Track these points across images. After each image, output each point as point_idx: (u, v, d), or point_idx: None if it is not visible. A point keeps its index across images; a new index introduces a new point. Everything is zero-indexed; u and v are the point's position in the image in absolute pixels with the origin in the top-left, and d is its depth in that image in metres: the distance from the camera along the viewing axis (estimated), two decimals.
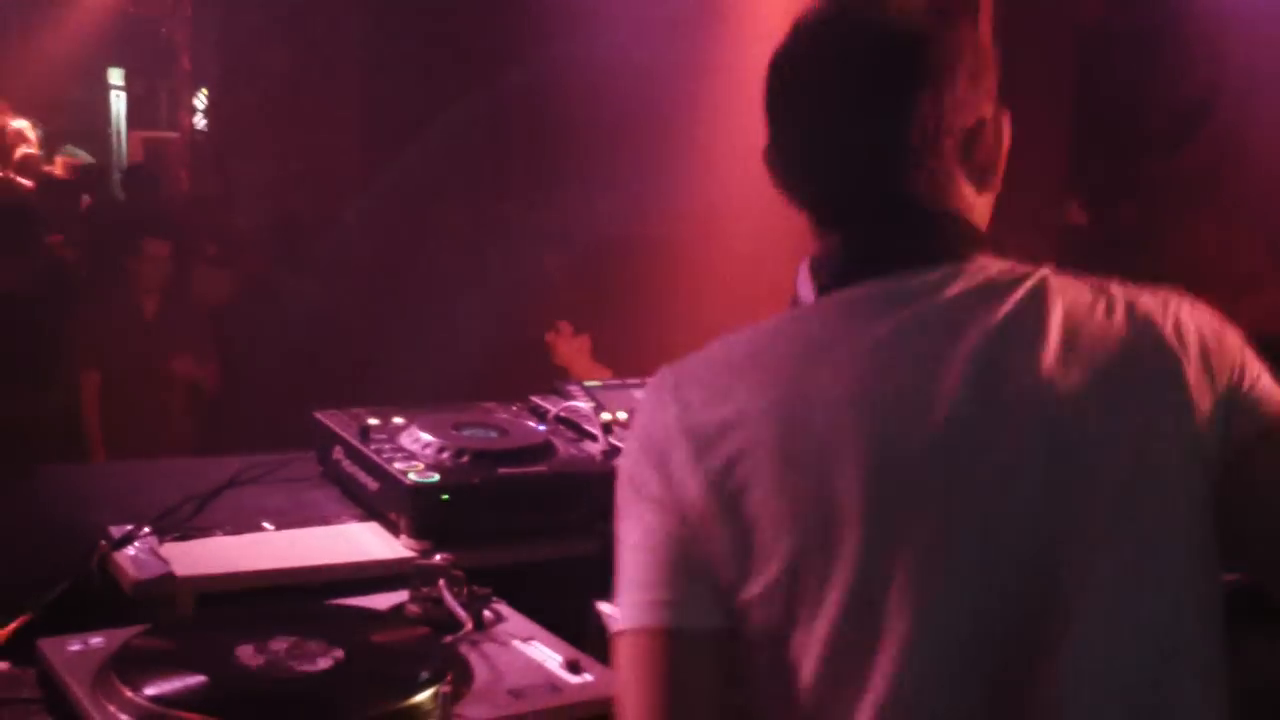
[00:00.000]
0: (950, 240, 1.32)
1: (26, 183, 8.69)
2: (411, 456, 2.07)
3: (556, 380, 2.58)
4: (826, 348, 1.28)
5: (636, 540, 1.30)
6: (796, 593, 1.22)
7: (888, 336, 1.26)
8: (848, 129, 1.34)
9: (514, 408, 2.44)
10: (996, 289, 1.27)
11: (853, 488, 1.21)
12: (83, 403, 5.56)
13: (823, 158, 1.38)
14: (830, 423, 1.23)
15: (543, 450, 2.16)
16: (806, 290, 1.37)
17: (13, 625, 1.77)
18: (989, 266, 1.30)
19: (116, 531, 1.89)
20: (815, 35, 1.37)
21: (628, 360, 7.10)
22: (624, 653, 1.27)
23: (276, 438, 2.45)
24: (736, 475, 1.24)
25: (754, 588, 1.23)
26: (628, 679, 1.27)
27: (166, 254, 5.82)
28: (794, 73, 1.38)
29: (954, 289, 1.27)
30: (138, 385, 5.58)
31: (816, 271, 1.36)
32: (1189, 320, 1.27)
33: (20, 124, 9.44)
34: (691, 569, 1.26)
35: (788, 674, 1.23)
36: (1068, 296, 1.27)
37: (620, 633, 1.28)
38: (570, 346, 7.05)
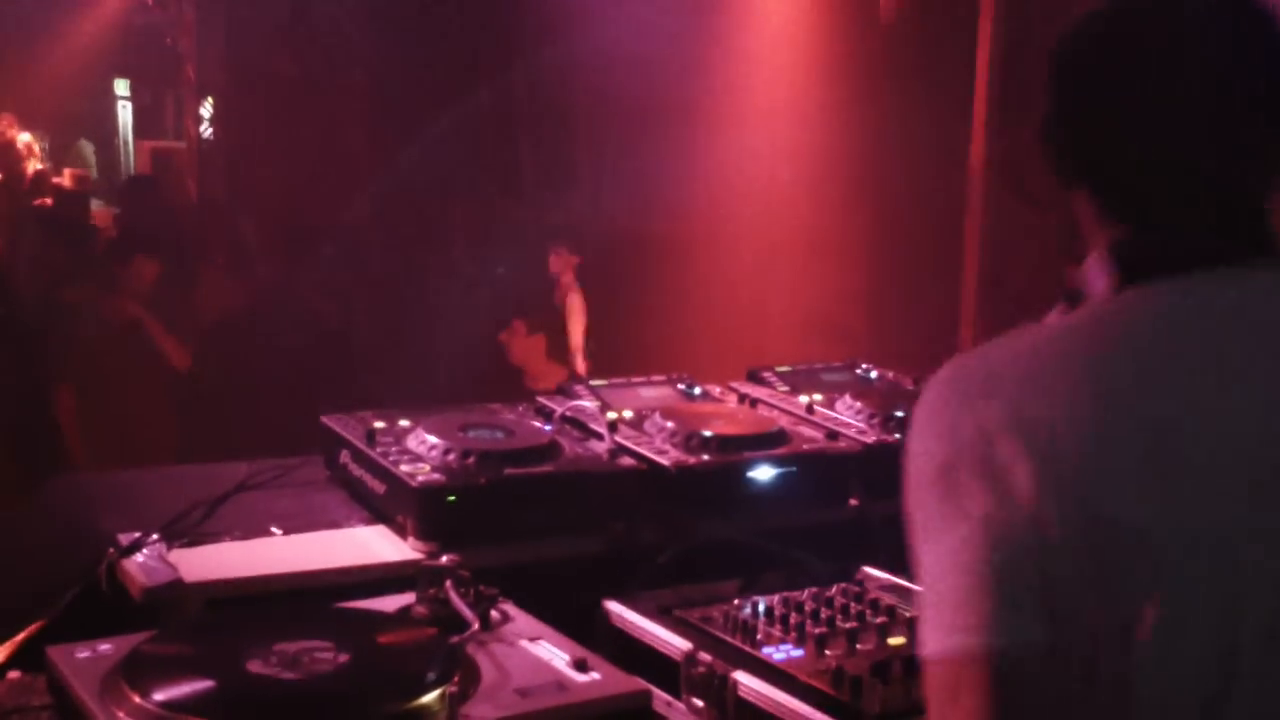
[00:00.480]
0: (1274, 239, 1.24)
1: (47, 200, 8.69)
2: (418, 459, 2.07)
3: (568, 384, 2.58)
4: (1179, 348, 1.18)
5: (951, 556, 1.17)
6: (1166, 618, 1.12)
7: (1230, 343, 1.18)
8: (1195, 105, 1.23)
9: (520, 408, 2.44)
10: None
11: (1240, 509, 1.13)
12: (60, 417, 5.59)
13: (1155, 137, 1.25)
14: (1206, 434, 1.15)
15: (549, 450, 2.16)
16: (1100, 284, 1.26)
17: (23, 633, 1.78)
18: None
19: (125, 539, 1.90)
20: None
21: (632, 358, 7.12)
22: (941, 681, 1.16)
23: (287, 442, 2.45)
24: (1090, 480, 1.14)
25: (1117, 607, 1.13)
26: (946, 710, 1.15)
27: (154, 272, 5.82)
28: (1131, 41, 1.26)
29: None
30: (117, 397, 5.60)
31: (1122, 264, 1.25)
32: None
33: (25, 137, 9.45)
34: (1021, 586, 1.14)
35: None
36: None
37: (935, 659, 1.17)
38: (525, 345, 7.06)
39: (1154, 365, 1.19)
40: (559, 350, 7.20)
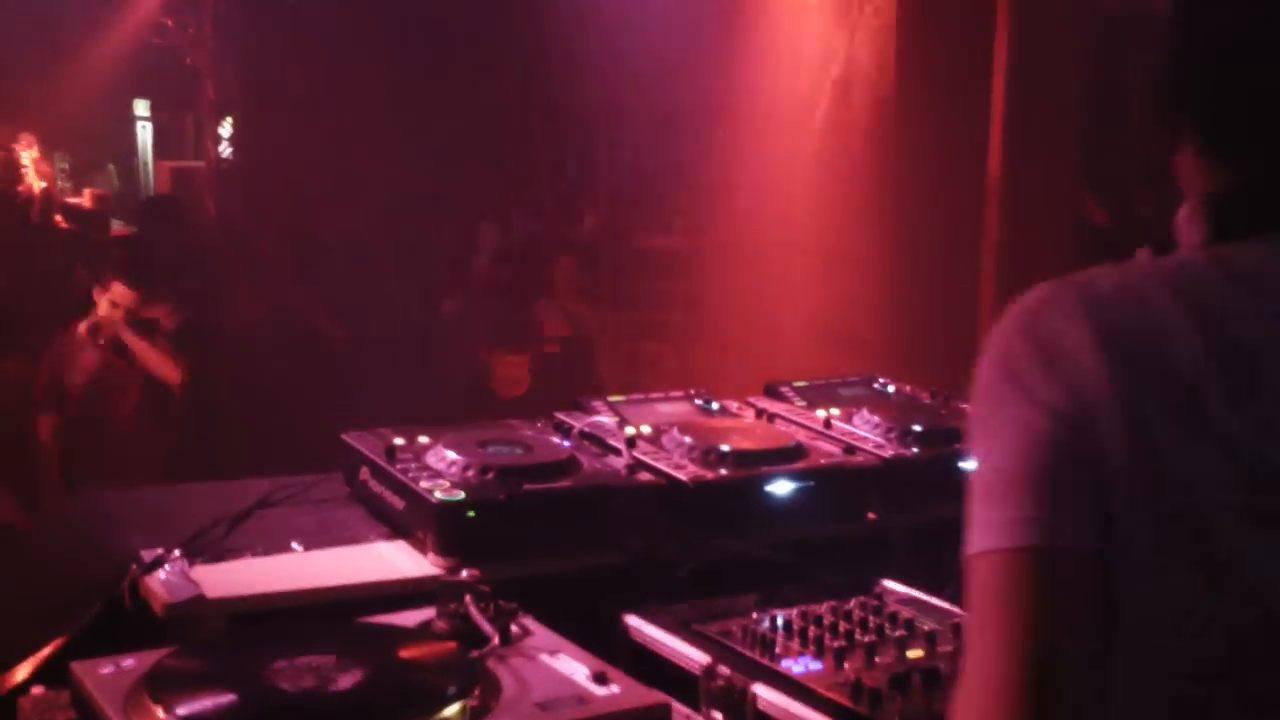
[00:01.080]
0: None
1: (65, 225, 8.74)
2: (437, 475, 2.08)
3: (584, 399, 2.59)
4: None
5: (1008, 447, 1.17)
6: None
7: None
8: None
9: (539, 424, 2.46)
10: None
11: None
12: (39, 446, 5.64)
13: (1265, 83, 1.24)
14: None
15: (567, 466, 2.17)
16: (1193, 236, 1.26)
17: (47, 649, 1.80)
18: None
19: (148, 555, 1.91)
20: None
21: (650, 373, 7.13)
22: (987, 577, 1.15)
23: (301, 459, 2.47)
24: (1170, 386, 1.14)
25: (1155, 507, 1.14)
26: (988, 605, 1.14)
27: (127, 301, 5.82)
28: None
29: None
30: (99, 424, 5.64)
31: (1214, 217, 1.24)
32: None
33: (31, 154, 9.50)
34: (1078, 482, 1.14)
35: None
36: None
37: (982, 554, 1.16)
38: (508, 365, 7.06)
39: (1236, 310, 1.18)
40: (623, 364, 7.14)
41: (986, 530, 1.16)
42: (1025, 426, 1.16)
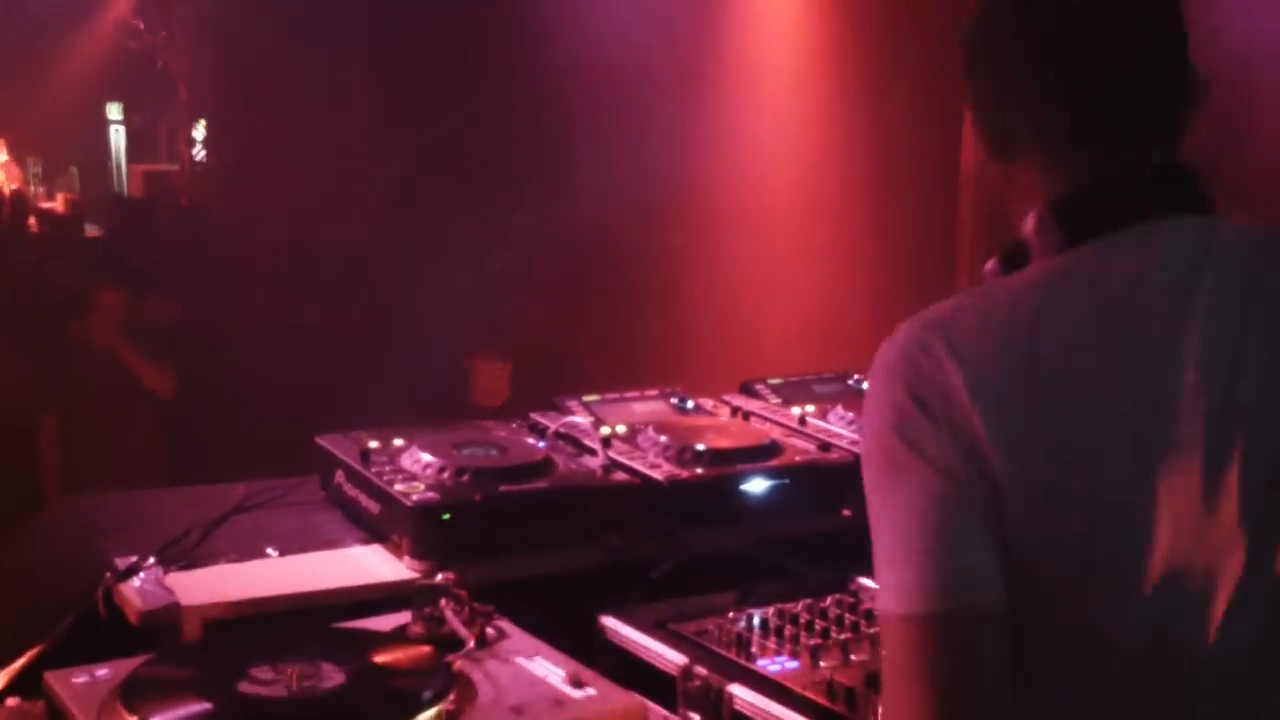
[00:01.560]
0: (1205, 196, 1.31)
1: (37, 228, 8.67)
2: (412, 477, 2.08)
3: (557, 398, 2.59)
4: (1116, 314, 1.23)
5: (908, 510, 1.21)
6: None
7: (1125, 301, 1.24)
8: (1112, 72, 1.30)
9: (513, 425, 2.46)
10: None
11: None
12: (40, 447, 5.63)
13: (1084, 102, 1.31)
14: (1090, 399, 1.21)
15: (543, 467, 2.17)
16: (1044, 241, 1.31)
17: (21, 660, 1.79)
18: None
19: (122, 562, 1.91)
20: None
21: (626, 369, 7.12)
22: (908, 639, 1.20)
23: (284, 462, 2.46)
24: (1012, 441, 1.19)
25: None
26: (913, 667, 1.19)
27: (119, 304, 5.81)
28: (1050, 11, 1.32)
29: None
30: (98, 425, 5.63)
31: (1062, 221, 1.29)
32: None
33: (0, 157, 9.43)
34: (981, 531, 1.19)
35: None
36: None
37: (902, 617, 1.20)
38: (489, 373, 7.04)
39: (1061, 331, 1.23)
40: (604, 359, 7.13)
41: (902, 592, 1.20)
42: (914, 484, 1.22)
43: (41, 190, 10.94)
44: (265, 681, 1.48)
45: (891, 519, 1.23)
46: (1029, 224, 1.31)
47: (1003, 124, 1.36)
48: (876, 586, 1.24)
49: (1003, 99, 1.35)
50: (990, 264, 1.34)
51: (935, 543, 1.19)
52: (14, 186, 9.33)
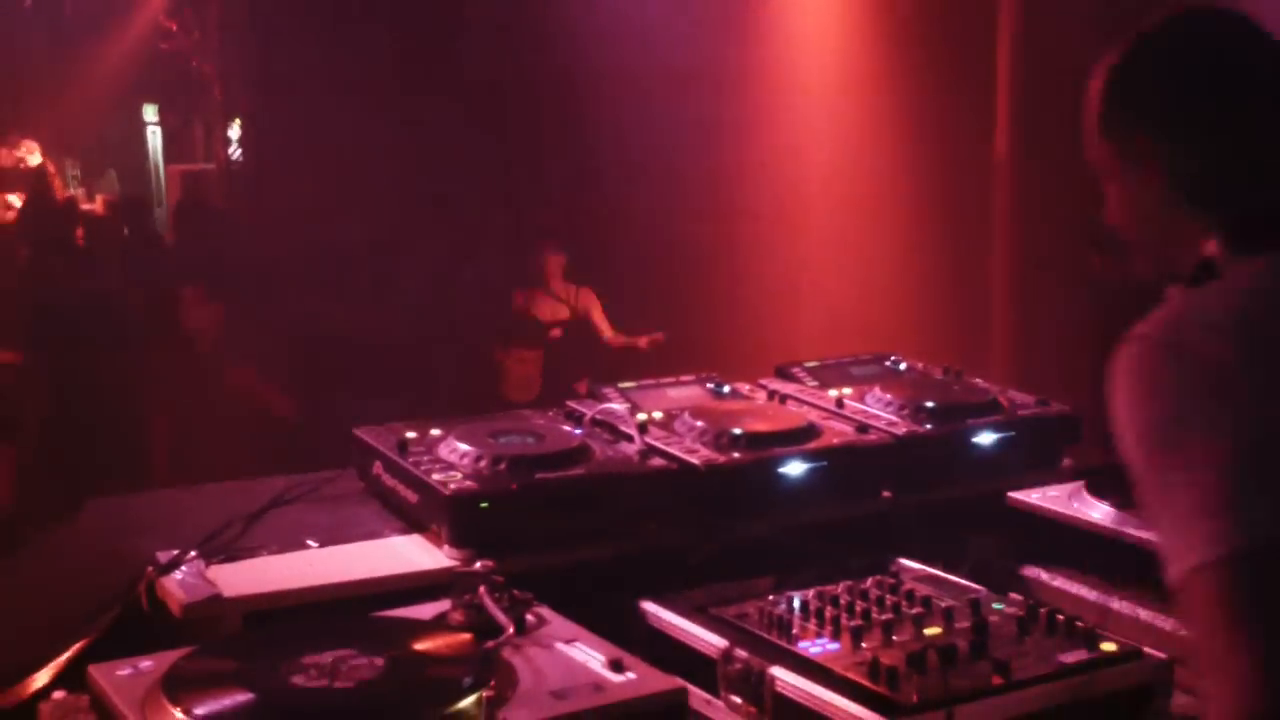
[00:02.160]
0: None
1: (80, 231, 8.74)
2: (450, 467, 2.08)
3: (595, 387, 2.59)
4: None
5: (1204, 469, 1.28)
6: None
7: None
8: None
9: (550, 413, 2.45)
10: None
11: None
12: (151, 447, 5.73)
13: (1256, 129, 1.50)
14: None
15: (579, 454, 2.16)
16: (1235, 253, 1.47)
17: (66, 654, 1.81)
18: None
19: (164, 556, 1.92)
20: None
21: (661, 358, 7.12)
22: (1229, 583, 1.24)
23: (320, 457, 2.47)
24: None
25: None
26: (1235, 614, 1.24)
27: (203, 298, 5.91)
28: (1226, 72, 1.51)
29: None
30: (206, 422, 5.72)
31: (1244, 236, 1.47)
32: None
33: (35, 160, 9.52)
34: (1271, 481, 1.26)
35: None
36: None
37: (1221, 560, 1.25)
38: (520, 366, 7.04)
39: None
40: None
41: (1210, 542, 1.25)
42: (1206, 446, 1.28)
43: (81, 192, 11.02)
44: (307, 671, 1.49)
45: (1187, 480, 1.28)
46: (1212, 246, 1.48)
47: (1199, 168, 1.51)
48: (1174, 554, 1.28)
49: (1203, 144, 1.51)
50: (1174, 288, 1.49)
51: (1237, 488, 1.26)
52: (69, 193, 9.44)
